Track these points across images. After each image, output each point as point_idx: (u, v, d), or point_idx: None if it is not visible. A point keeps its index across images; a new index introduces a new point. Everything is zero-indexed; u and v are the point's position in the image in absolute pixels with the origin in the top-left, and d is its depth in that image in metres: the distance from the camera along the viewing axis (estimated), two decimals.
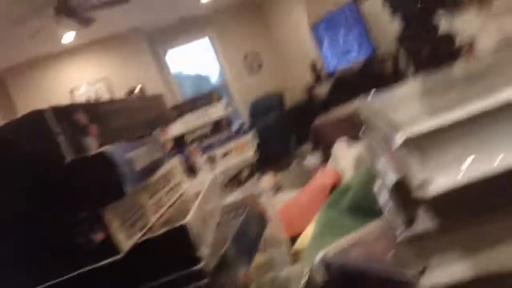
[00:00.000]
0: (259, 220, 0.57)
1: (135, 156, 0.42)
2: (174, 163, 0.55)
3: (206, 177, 0.58)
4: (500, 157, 0.35)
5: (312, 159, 1.56)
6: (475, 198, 0.38)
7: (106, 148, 0.35)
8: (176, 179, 0.54)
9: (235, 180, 1.24)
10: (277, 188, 1.41)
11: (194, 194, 0.51)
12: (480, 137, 0.36)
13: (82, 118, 0.35)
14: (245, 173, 1.29)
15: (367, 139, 0.58)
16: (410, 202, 0.40)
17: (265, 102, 6.41)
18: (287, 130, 6.05)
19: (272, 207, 0.73)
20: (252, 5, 7.17)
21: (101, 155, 0.35)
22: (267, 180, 1.52)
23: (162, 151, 0.53)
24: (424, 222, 0.41)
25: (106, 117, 0.39)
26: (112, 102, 0.41)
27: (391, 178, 0.40)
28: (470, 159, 0.36)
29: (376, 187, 0.61)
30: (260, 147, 1.34)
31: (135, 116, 0.45)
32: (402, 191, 0.40)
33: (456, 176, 0.35)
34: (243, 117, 6.71)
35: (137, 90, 6.25)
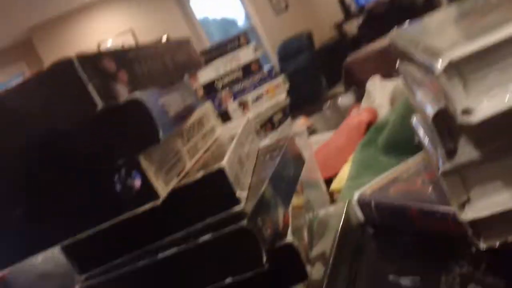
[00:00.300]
0: (296, 161, 0.57)
1: (168, 101, 0.41)
2: (207, 108, 0.55)
3: (240, 121, 0.58)
4: None
5: (345, 99, 1.54)
6: None
7: (138, 94, 0.35)
8: (210, 124, 0.54)
9: (268, 124, 1.23)
10: (311, 131, 1.40)
11: (229, 138, 0.50)
12: None
13: (110, 64, 0.34)
14: (277, 117, 1.28)
15: (404, 71, 0.57)
16: (453, 132, 0.39)
17: (294, 43, 6.29)
18: (318, 71, 5.98)
19: (307, 148, 0.72)
20: None
21: (133, 101, 0.34)
22: (300, 123, 1.51)
23: (194, 97, 0.53)
24: (467, 152, 0.40)
25: (134, 63, 0.38)
26: (139, 47, 0.40)
27: (432, 107, 0.38)
28: None
29: (413, 121, 0.60)
30: (291, 91, 1.32)
31: (164, 61, 0.45)
32: (443, 120, 0.38)
33: (501, 101, 0.33)
34: (273, 60, 6.65)
35: (163, 41, 6.24)
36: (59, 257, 1.09)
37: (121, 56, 0.36)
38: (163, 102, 0.40)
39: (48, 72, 0.32)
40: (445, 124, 0.39)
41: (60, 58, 0.30)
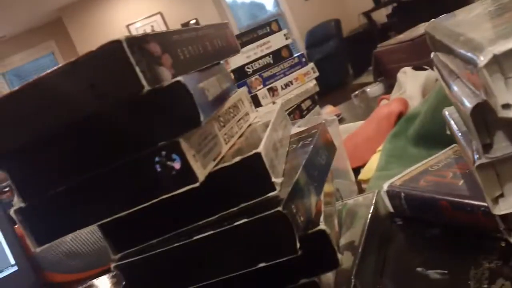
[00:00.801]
0: (328, 149, 0.57)
1: (207, 85, 0.42)
2: (242, 93, 0.55)
3: (272, 107, 0.58)
4: None
5: (374, 89, 1.53)
6: None
7: (182, 78, 0.35)
8: (245, 109, 0.54)
9: (296, 111, 1.23)
10: (339, 120, 1.39)
11: (263, 124, 0.51)
12: None
13: (155, 48, 0.35)
14: (306, 104, 1.28)
15: (439, 63, 0.56)
16: (490, 126, 0.39)
17: (322, 31, 6.24)
18: (345, 59, 5.93)
19: (337, 137, 0.72)
20: None
21: (176, 85, 0.35)
22: (328, 111, 1.51)
23: (230, 81, 0.53)
24: (503, 146, 0.40)
25: (177, 47, 0.39)
26: (182, 31, 0.41)
27: (471, 100, 0.38)
28: None
29: (446, 113, 0.59)
30: (319, 79, 1.32)
31: (204, 45, 0.45)
32: (482, 114, 0.38)
33: None
34: (300, 46, 6.61)
35: (192, 23, 6.23)
36: (86, 236, 1.11)
37: (165, 40, 0.37)
38: (203, 86, 0.41)
39: (97, 52, 0.32)
40: (483, 118, 0.39)
41: (110, 40, 0.31)
